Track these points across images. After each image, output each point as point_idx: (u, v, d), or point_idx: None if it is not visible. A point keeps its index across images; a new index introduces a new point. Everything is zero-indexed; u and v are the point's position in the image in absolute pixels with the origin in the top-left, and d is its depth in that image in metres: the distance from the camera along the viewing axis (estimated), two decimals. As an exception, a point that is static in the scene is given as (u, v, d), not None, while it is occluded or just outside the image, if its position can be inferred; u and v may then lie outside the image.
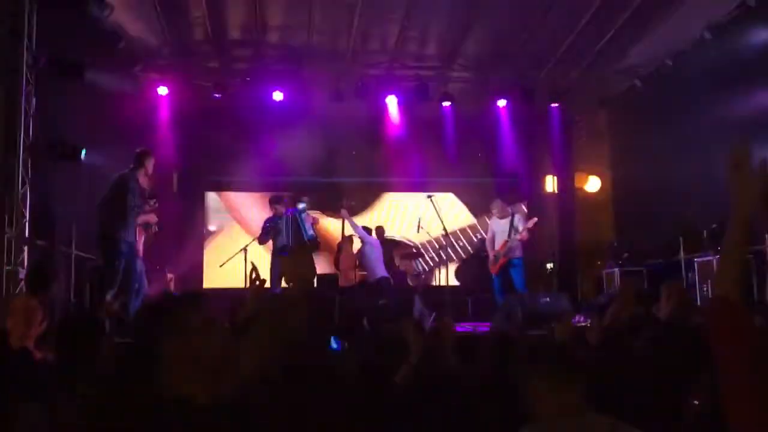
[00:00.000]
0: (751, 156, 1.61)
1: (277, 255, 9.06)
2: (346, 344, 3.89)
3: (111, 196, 6.84)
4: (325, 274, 10.79)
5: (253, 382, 2.03)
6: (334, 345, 3.80)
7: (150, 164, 7.17)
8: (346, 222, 10.07)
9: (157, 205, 7.65)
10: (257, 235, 9.36)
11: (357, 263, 10.28)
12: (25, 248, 6.66)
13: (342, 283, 10.12)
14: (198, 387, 1.88)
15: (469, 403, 2.69)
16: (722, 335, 1.49)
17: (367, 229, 10.24)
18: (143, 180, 7.07)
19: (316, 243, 9.35)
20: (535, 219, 9.55)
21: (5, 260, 6.38)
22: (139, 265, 7.44)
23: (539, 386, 2.18)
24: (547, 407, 2.14)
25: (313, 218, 9.49)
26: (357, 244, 10.26)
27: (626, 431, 2.12)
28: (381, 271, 9.73)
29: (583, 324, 5.24)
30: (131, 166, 7.04)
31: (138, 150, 7.30)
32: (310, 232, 9.12)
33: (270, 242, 9.21)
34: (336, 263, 10.41)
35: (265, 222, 9.30)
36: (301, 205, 9.12)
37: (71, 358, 3.01)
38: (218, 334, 2.05)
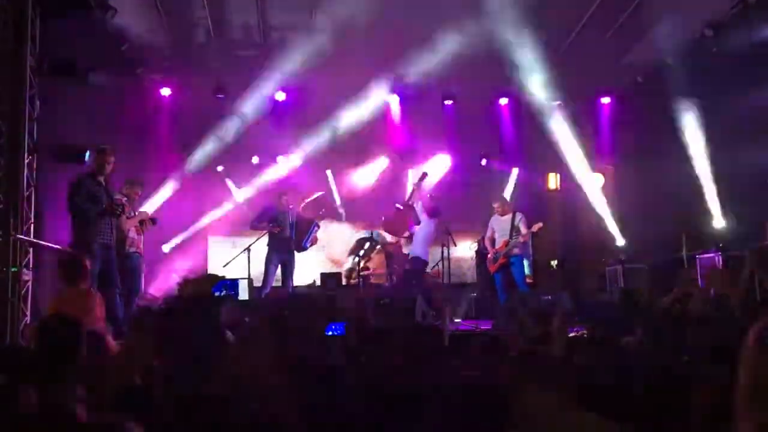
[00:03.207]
0: None
1: (278, 244, 9.07)
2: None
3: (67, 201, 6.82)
4: (327, 273, 10.81)
5: None
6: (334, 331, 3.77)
7: (104, 162, 6.97)
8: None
9: (136, 215, 7.67)
10: (259, 234, 9.35)
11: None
12: (31, 250, 6.70)
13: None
14: None
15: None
16: None
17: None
18: (101, 178, 6.98)
19: (300, 249, 9.36)
20: (540, 224, 9.07)
21: (11, 261, 6.41)
22: (135, 265, 7.45)
23: (529, 393, 2.21)
24: (534, 408, 2.17)
25: (315, 238, 9.43)
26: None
27: (611, 428, 2.15)
28: (418, 251, 9.34)
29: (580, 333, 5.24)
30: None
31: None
32: (308, 244, 9.19)
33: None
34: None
35: (266, 208, 9.26)
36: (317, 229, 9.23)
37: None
38: None
